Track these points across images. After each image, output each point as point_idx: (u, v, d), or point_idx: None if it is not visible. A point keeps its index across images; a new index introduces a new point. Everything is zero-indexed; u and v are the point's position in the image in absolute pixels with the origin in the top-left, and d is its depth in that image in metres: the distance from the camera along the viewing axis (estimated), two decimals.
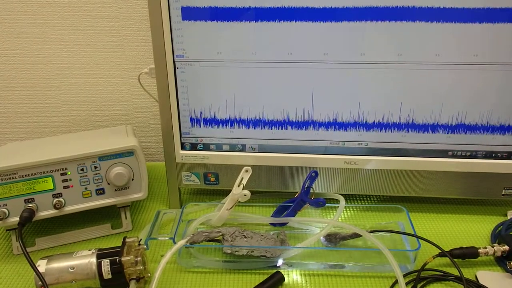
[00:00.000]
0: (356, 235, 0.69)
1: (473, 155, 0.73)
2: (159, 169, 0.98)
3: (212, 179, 0.80)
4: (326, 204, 0.70)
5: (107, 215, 0.80)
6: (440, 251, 0.65)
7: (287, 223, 0.74)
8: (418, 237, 0.66)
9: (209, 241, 0.69)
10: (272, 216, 0.76)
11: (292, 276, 0.66)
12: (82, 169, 0.68)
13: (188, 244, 0.66)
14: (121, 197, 0.71)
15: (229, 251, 0.66)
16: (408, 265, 0.65)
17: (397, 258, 0.61)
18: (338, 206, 0.72)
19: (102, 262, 0.60)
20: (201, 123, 0.75)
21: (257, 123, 0.74)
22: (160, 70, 0.70)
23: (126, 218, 0.76)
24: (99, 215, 0.80)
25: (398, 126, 0.72)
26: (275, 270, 0.65)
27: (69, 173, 0.67)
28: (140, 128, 1.02)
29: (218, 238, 0.70)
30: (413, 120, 0.71)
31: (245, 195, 0.69)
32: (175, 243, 0.65)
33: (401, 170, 0.75)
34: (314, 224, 0.75)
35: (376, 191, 0.78)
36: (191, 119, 0.75)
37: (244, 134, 0.76)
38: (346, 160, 0.75)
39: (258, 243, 0.69)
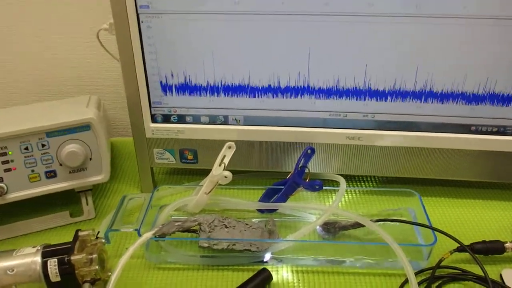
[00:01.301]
0: (358, 225, 0.59)
1: (500, 131, 0.63)
2: (130, 145, 0.87)
3: (190, 157, 0.70)
4: (324, 187, 0.60)
5: (66, 201, 0.69)
6: (458, 245, 0.56)
7: (277, 209, 0.64)
8: (434, 229, 0.56)
9: (184, 231, 0.59)
10: (259, 201, 0.66)
11: (281, 273, 0.56)
12: (26, 148, 0.57)
13: (156, 236, 0.56)
14: (77, 180, 0.61)
15: (205, 245, 0.56)
16: (420, 262, 0.56)
17: (408, 253, 0.51)
18: (338, 190, 0.62)
19: (49, 261, 0.50)
20: (174, 91, 0.64)
21: (241, 90, 0.63)
22: (121, 25, 0.59)
23: (87, 204, 0.65)
24: (56, 201, 0.69)
25: (413, 95, 0.61)
26: (261, 267, 0.56)
27: (10, 153, 0.56)
28: (111, 99, 0.91)
29: (194, 228, 0.60)
30: (431, 87, 0.60)
31: (225, 177, 0.59)
32: (140, 235, 0.55)
33: (413, 148, 0.65)
34: (309, 211, 0.65)
35: (383, 171, 0.67)
36: (162, 86, 0.64)
37: (226, 104, 0.65)
38: (349, 135, 0.65)
39: (242, 234, 0.59)
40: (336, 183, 0.68)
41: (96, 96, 0.75)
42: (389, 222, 0.61)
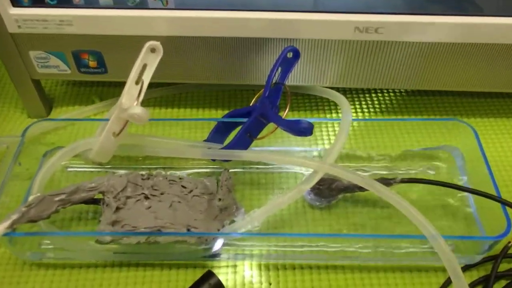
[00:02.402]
0: None
1: None
2: None
3: (92, 63, 0.43)
4: (316, 119, 0.35)
5: None
6: None
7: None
8: (505, 203, 0.33)
9: (83, 202, 0.35)
10: (206, 141, 0.41)
11: (242, 274, 0.35)
12: None
13: (14, 231, 0.32)
14: None
15: (108, 240, 0.33)
16: (476, 256, 0.34)
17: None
18: (338, 123, 0.38)
19: None
20: None
21: None
22: None
23: None
24: None
25: None
26: (208, 263, 0.34)
27: None
28: None
29: (97, 196, 0.36)
30: None
31: (138, 115, 0.33)
32: None
33: (464, 45, 0.38)
34: (288, 164, 0.40)
35: (411, 84, 0.42)
36: None
37: None
38: (359, 24, 0.38)
39: (173, 212, 0.35)
40: (333, 107, 0.42)
41: None
42: (422, 184, 0.37)
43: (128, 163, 0.42)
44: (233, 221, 0.36)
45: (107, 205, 0.35)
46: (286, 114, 0.35)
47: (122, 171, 0.41)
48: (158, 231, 0.34)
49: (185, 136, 0.44)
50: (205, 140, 0.41)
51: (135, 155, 0.42)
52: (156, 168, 0.41)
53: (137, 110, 0.33)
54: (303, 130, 0.33)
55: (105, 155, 0.39)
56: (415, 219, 0.30)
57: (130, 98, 0.36)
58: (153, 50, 0.36)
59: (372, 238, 0.34)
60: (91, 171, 0.41)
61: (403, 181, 0.35)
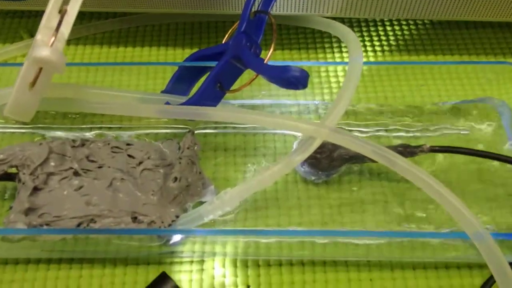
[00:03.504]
0: None
1: None
2: None
3: None
4: (313, 62, 0.25)
5: None
6: None
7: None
8: None
9: None
10: (164, 92, 0.31)
11: (211, 273, 0.27)
12: None
13: None
14: None
15: (20, 236, 0.24)
16: None
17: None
18: (344, 69, 0.28)
19: None
20: None
21: None
22: None
23: None
24: None
25: None
26: (161, 269, 0.25)
27: None
28: None
29: (11, 171, 0.27)
30: None
31: (44, 60, 0.23)
32: None
33: None
34: (274, 126, 0.30)
35: (441, 12, 0.31)
36: None
37: None
38: None
39: (114, 193, 0.26)
40: (337, 47, 0.32)
41: None
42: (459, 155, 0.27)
43: (62, 121, 0.32)
44: (200, 203, 0.27)
45: (23, 184, 0.26)
46: (269, 56, 0.25)
47: (58, 133, 0.31)
48: (91, 222, 0.24)
49: (136, 86, 0.33)
50: (163, 91, 0.31)
51: (69, 112, 0.32)
52: (100, 130, 0.31)
53: (43, 52, 0.22)
54: (293, 80, 0.23)
55: (24, 112, 0.29)
56: (455, 212, 0.21)
57: (49, 34, 0.26)
58: None
59: (388, 236, 0.25)
60: (12, 133, 0.31)
61: (433, 150, 0.26)
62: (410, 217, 0.27)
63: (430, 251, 0.26)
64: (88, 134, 0.31)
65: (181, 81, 0.30)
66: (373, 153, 0.24)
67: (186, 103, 0.27)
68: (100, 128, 0.31)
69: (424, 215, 0.27)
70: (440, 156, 0.27)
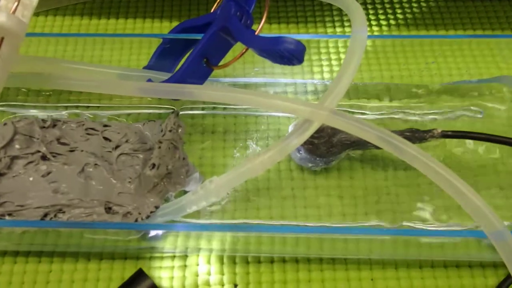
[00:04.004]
0: None
1: None
2: None
3: None
4: (310, 35, 0.22)
5: None
6: None
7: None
8: None
9: None
10: (147, 68, 0.28)
11: (195, 271, 0.24)
12: None
13: None
14: None
15: None
16: None
17: None
18: (346, 43, 0.25)
19: None
20: None
21: None
22: None
23: None
24: None
25: None
26: (138, 266, 0.23)
27: None
28: None
29: None
30: None
31: (5, 27, 0.20)
32: None
33: None
34: (267, 108, 0.27)
35: None
36: None
37: None
38: None
39: (86, 180, 0.23)
40: (338, 18, 0.29)
41: None
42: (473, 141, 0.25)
43: (36, 99, 0.29)
44: (184, 193, 0.24)
45: None
46: (261, 26, 0.22)
47: (32, 111, 0.28)
48: (59, 212, 0.22)
49: (119, 62, 0.30)
50: (145, 67, 0.28)
51: (42, 89, 0.29)
52: (77, 109, 0.28)
53: (0, 17, 0.19)
54: (288, 54, 0.20)
55: None
56: (473, 210, 0.19)
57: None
58: None
59: (395, 235, 0.23)
60: None
61: (446, 135, 0.23)
62: (417, 210, 0.24)
63: (439, 248, 0.23)
64: (64, 113, 0.29)
65: (165, 56, 0.27)
66: (378, 139, 0.21)
67: (169, 80, 0.25)
68: (77, 107, 0.29)
69: (434, 208, 0.24)
70: (452, 142, 0.24)
